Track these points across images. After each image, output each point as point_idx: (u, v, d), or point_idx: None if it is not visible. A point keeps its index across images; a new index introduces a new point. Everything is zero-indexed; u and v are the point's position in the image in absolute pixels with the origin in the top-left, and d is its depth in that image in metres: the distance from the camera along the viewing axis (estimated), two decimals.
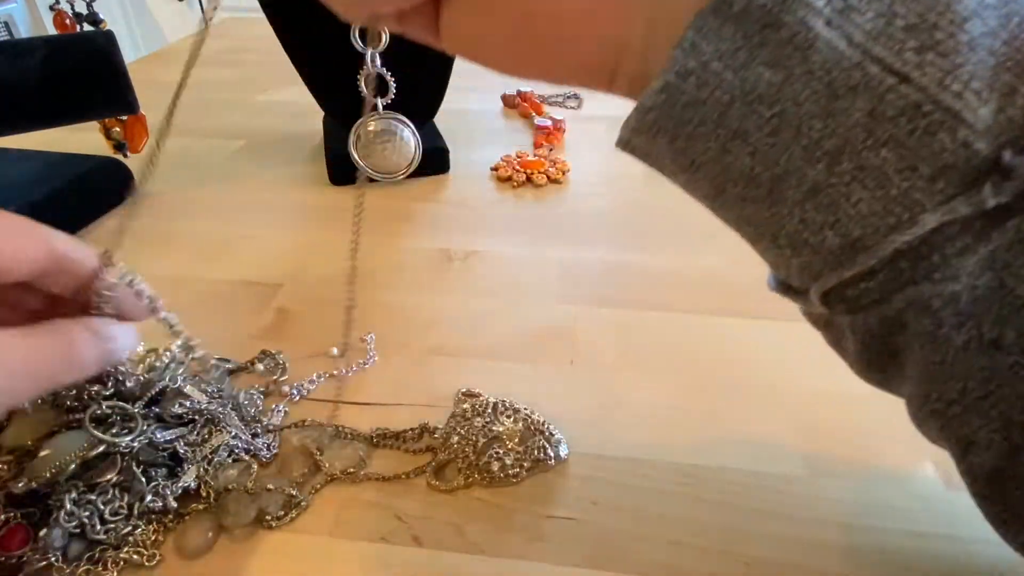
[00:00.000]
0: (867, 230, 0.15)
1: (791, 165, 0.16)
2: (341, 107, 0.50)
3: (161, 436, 0.27)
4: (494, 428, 0.29)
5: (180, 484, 0.26)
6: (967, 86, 0.14)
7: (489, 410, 0.30)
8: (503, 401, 0.30)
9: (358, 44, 0.46)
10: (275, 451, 0.29)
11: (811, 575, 0.24)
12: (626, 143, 0.18)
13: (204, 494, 0.26)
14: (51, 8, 0.52)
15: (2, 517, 0.24)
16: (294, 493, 0.26)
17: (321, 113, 0.57)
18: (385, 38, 0.47)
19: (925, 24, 0.14)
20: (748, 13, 0.15)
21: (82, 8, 0.52)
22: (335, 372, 0.33)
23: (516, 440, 0.28)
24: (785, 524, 0.26)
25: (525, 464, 0.28)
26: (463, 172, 0.55)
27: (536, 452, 0.28)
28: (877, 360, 0.18)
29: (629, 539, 0.25)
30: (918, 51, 0.14)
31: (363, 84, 0.48)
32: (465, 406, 0.30)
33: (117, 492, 0.25)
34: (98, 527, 0.24)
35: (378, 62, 0.47)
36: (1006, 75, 0.14)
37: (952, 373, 0.16)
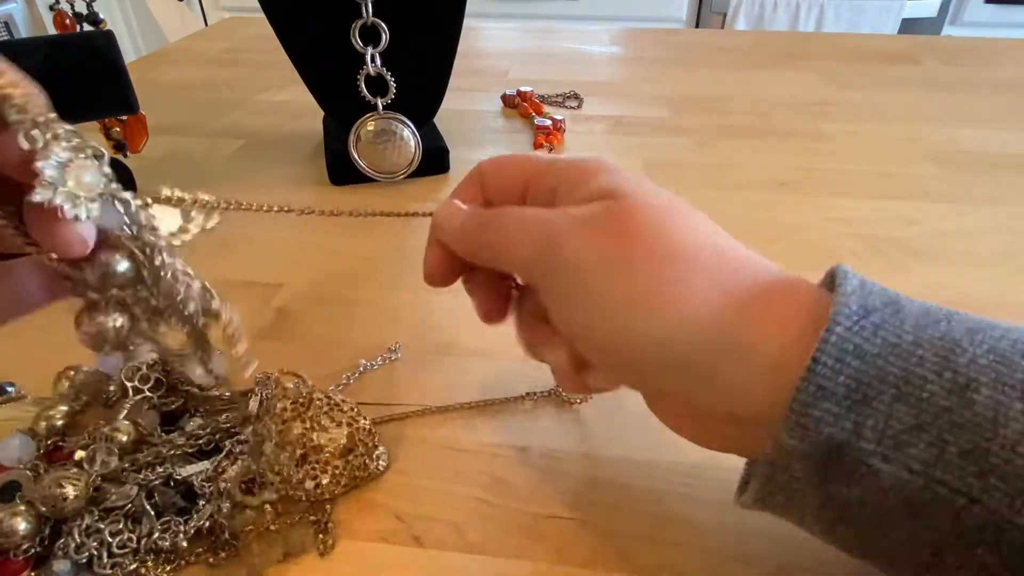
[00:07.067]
0: None
1: (898, 548, 0.17)
2: (341, 107, 0.50)
3: (180, 474, 0.26)
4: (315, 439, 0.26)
5: (193, 524, 0.24)
6: None
7: (310, 413, 0.26)
8: (329, 399, 0.27)
9: (358, 44, 0.47)
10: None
11: (811, 575, 0.24)
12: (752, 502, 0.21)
13: (216, 534, 0.25)
14: (51, 8, 0.52)
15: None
16: (314, 518, 0.25)
17: (321, 113, 0.57)
18: (385, 38, 0.47)
19: (979, 450, 0.16)
20: (809, 455, 0.17)
21: (82, 8, 0.52)
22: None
23: (337, 455, 0.26)
24: (785, 524, 0.26)
25: (343, 482, 0.26)
26: (463, 172, 0.54)
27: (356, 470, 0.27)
28: None
29: (629, 539, 0.25)
30: (979, 475, 0.15)
31: (363, 84, 0.48)
32: (282, 405, 0.27)
33: (129, 524, 0.24)
34: (105, 560, 0.23)
35: (378, 62, 0.47)
36: None
37: None
